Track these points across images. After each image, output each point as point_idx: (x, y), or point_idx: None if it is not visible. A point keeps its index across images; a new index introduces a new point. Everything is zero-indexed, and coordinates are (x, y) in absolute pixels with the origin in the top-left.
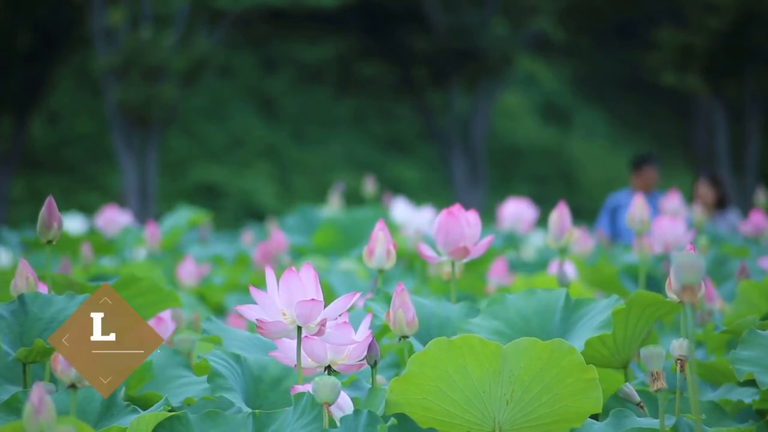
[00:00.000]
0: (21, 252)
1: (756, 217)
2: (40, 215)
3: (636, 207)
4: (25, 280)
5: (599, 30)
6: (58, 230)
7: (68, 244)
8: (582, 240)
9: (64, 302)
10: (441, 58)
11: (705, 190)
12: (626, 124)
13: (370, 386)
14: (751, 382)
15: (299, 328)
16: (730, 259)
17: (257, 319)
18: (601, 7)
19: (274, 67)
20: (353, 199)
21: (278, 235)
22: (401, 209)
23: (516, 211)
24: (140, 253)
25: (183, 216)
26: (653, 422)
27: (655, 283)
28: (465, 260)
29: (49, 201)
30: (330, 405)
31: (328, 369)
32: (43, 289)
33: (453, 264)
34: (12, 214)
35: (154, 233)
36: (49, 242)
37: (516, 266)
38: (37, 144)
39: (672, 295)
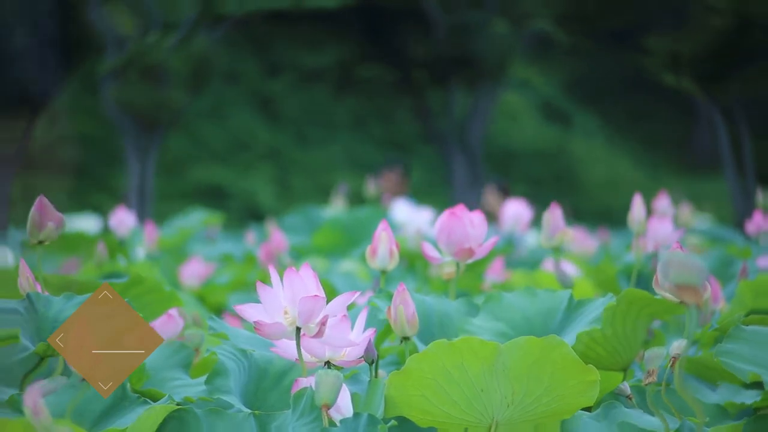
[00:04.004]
0: (21, 252)
1: (757, 218)
2: (30, 215)
3: (636, 207)
4: (26, 280)
5: (596, 33)
6: (55, 230)
7: (83, 244)
8: (583, 240)
9: (61, 303)
10: (440, 63)
11: (493, 198)
12: (626, 124)
13: (369, 380)
14: (756, 385)
15: (298, 330)
16: (736, 260)
17: (255, 321)
18: (593, 14)
19: (276, 71)
20: (353, 199)
21: (278, 235)
22: (402, 209)
23: (517, 211)
24: (139, 253)
25: (195, 218)
26: (641, 414)
27: (648, 282)
28: (469, 261)
29: (40, 200)
30: (329, 408)
31: (328, 363)
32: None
33: (458, 265)
34: (12, 214)
35: (151, 234)
36: (40, 243)
37: (511, 264)
38: (37, 144)
39: (662, 293)
